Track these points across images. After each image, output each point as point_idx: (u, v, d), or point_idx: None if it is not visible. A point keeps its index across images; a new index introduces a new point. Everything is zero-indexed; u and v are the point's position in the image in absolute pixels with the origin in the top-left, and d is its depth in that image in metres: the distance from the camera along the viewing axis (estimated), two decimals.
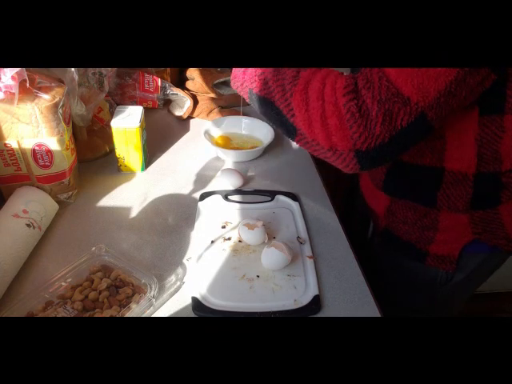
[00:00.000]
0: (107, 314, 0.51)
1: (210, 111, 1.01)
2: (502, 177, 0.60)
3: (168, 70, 1.04)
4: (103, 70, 0.82)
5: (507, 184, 0.61)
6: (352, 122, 0.49)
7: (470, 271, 0.71)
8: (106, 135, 0.84)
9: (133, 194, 0.76)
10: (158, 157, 0.87)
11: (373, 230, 0.81)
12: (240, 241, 0.65)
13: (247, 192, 0.76)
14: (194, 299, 0.55)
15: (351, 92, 0.49)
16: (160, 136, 0.93)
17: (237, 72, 0.61)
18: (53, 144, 0.64)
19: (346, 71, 0.67)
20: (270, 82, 0.56)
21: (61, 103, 0.63)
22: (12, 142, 0.62)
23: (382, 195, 0.71)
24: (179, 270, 0.60)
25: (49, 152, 0.65)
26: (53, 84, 0.64)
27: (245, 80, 0.60)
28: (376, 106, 0.48)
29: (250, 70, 0.59)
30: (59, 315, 0.51)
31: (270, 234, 0.66)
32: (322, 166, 0.89)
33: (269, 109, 0.57)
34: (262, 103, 0.58)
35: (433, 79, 0.47)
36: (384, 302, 0.59)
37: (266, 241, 0.64)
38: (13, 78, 0.57)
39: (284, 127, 0.57)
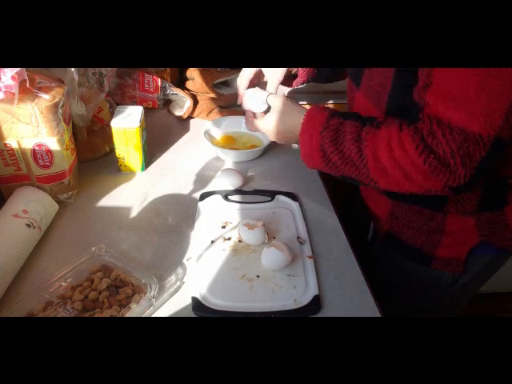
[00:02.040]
0: (107, 313, 0.51)
1: (210, 111, 1.01)
2: (509, 179, 0.60)
3: (168, 70, 1.04)
4: (103, 70, 0.82)
5: None
6: (437, 172, 0.52)
7: (476, 272, 0.71)
8: (106, 135, 0.84)
9: (133, 194, 0.76)
10: (158, 157, 0.87)
11: (373, 232, 0.80)
12: (240, 241, 0.65)
13: (247, 192, 0.76)
14: (194, 299, 0.55)
15: (424, 150, 0.52)
16: (160, 136, 0.93)
17: (312, 166, 0.64)
18: (53, 144, 0.64)
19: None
20: (341, 167, 0.59)
21: (61, 103, 0.63)
22: (12, 142, 0.62)
23: (384, 199, 0.71)
24: (179, 270, 0.60)
25: (49, 152, 0.65)
26: (53, 84, 0.64)
27: (321, 169, 0.63)
28: (450, 157, 0.51)
29: (320, 165, 0.62)
30: (59, 315, 0.51)
31: (270, 234, 0.66)
32: None
33: (352, 181, 0.61)
34: (343, 179, 0.62)
35: (496, 109, 0.48)
36: (384, 302, 0.58)
37: (265, 241, 0.64)
38: (13, 78, 0.57)
39: (372, 188, 0.61)
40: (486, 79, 0.47)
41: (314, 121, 0.62)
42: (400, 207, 0.69)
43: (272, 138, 0.70)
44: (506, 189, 0.61)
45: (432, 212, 0.66)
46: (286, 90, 1.02)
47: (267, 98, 0.70)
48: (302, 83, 0.85)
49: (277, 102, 0.68)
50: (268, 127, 0.69)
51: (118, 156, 0.79)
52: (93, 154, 0.84)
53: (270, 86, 0.82)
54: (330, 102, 1.15)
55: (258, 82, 0.83)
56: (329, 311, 0.56)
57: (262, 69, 0.81)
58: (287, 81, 0.87)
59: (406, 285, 0.76)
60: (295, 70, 0.84)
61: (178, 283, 0.58)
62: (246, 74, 0.80)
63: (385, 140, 0.55)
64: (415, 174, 0.53)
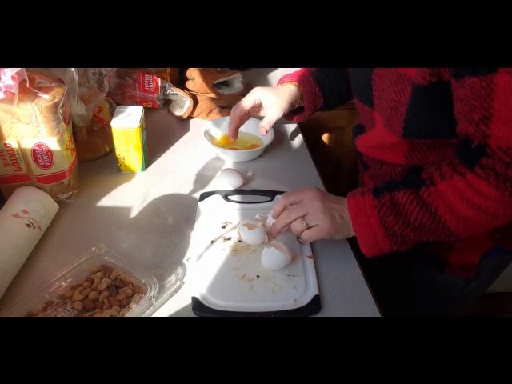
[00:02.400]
0: (107, 313, 0.51)
1: (210, 111, 1.01)
2: None
3: (168, 70, 1.04)
4: (103, 70, 0.82)
5: None
6: None
7: (488, 275, 0.70)
8: (106, 135, 0.84)
9: (133, 194, 0.76)
10: (158, 157, 0.87)
11: None
12: (240, 241, 0.65)
13: (247, 192, 0.76)
14: (194, 299, 0.55)
15: (505, 183, 0.49)
16: (160, 136, 0.93)
17: (371, 253, 0.59)
18: (53, 144, 0.64)
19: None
20: (415, 237, 0.56)
21: (61, 103, 0.63)
22: (12, 142, 0.62)
23: None
24: (179, 270, 0.60)
25: (49, 152, 0.65)
26: (53, 84, 0.64)
27: (382, 252, 0.59)
28: None
29: (384, 246, 0.57)
30: (59, 315, 0.51)
31: (270, 234, 0.66)
32: (321, 165, 0.88)
33: (425, 244, 0.58)
34: (415, 247, 0.58)
35: None
36: (384, 302, 0.58)
37: (265, 241, 0.64)
38: (13, 78, 0.57)
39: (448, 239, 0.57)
40: None
41: (364, 205, 0.57)
42: None
43: (322, 226, 0.59)
44: None
45: None
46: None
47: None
48: (309, 115, 0.84)
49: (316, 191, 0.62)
50: (313, 210, 0.60)
51: (117, 156, 0.79)
52: (93, 154, 0.84)
53: (268, 119, 0.79)
54: None
55: (251, 117, 0.81)
56: (329, 311, 0.55)
57: (263, 102, 0.79)
58: (290, 115, 0.85)
59: (415, 289, 0.75)
60: (298, 102, 0.82)
61: (178, 283, 0.58)
62: (245, 103, 0.78)
63: (454, 193, 0.52)
64: (504, 210, 0.51)
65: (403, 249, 0.58)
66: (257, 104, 0.79)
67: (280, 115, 0.79)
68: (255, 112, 0.82)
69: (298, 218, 0.60)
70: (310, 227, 0.59)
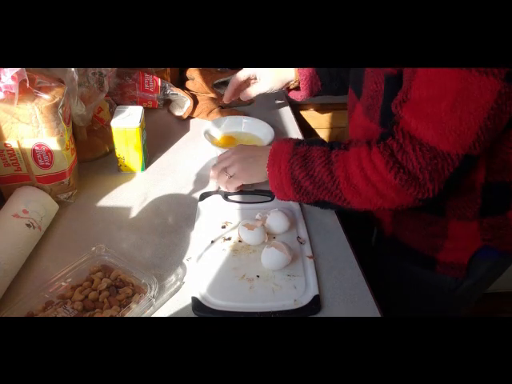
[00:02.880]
0: (107, 313, 0.51)
1: (210, 111, 1.01)
2: (511, 184, 0.60)
3: (168, 70, 1.04)
4: (103, 70, 0.82)
5: None
6: (407, 186, 0.53)
7: (480, 277, 0.70)
8: (106, 135, 0.84)
9: (133, 194, 0.76)
10: (158, 157, 0.87)
11: (377, 235, 0.80)
12: (240, 241, 0.65)
13: (247, 192, 0.76)
14: (194, 299, 0.55)
15: (394, 165, 0.53)
16: (160, 136, 0.93)
17: (282, 198, 0.66)
18: (53, 144, 0.64)
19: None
20: (313, 191, 0.60)
21: (61, 103, 0.63)
22: (12, 142, 0.62)
23: None
24: (179, 270, 0.60)
25: (49, 152, 0.65)
26: (53, 84, 0.64)
27: (291, 199, 0.65)
28: (419, 172, 0.53)
29: (291, 195, 0.63)
30: (59, 315, 0.51)
31: (270, 234, 0.66)
32: None
33: (325, 206, 0.63)
34: (317, 206, 0.64)
35: (466, 130, 0.49)
36: (384, 302, 0.58)
37: (266, 241, 0.64)
38: (13, 78, 0.57)
39: (345, 210, 0.62)
40: (457, 101, 0.48)
41: (281, 151, 0.63)
42: (403, 212, 0.69)
43: (241, 176, 0.71)
44: (507, 194, 0.61)
45: (434, 216, 0.66)
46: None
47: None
48: (307, 97, 0.88)
49: (237, 146, 0.73)
50: (236, 165, 0.70)
51: (117, 156, 0.79)
52: (93, 154, 0.84)
53: (256, 88, 0.85)
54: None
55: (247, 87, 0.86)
56: (329, 311, 0.56)
57: (257, 75, 0.84)
58: (290, 93, 0.90)
59: (409, 288, 0.76)
60: (294, 82, 0.86)
61: (178, 283, 0.58)
62: (241, 74, 0.83)
63: (355, 160, 0.56)
64: (387, 189, 0.55)
65: (305, 201, 0.63)
66: (252, 77, 0.84)
67: (268, 89, 0.84)
68: (249, 85, 0.87)
69: (223, 170, 0.71)
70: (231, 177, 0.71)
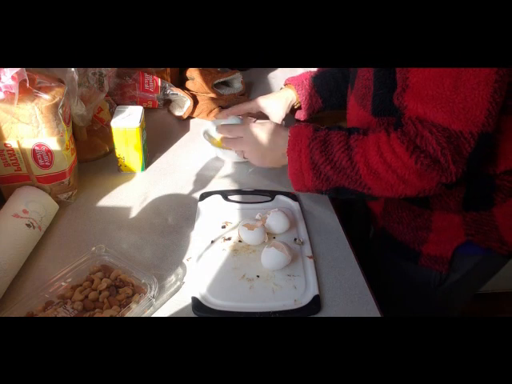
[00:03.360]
0: (107, 313, 0.51)
1: (210, 111, 1.01)
2: (496, 179, 0.60)
3: (168, 70, 1.03)
4: (103, 70, 0.82)
5: (501, 186, 0.60)
6: (430, 170, 0.53)
7: (465, 273, 0.71)
8: (106, 135, 0.84)
9: (133, 193, 0.76)
10: (158, 157, 0.87)
11: (373, 230, 0.81)
12: (240, 241, 0.65)
13: (247, 192, 0.76)
14: (194, 299, 0.55)
15: (415, 150, 0.53)
16: (160, 136, 0.93)
17: (296, 185, 0.64)
18: (53, 144, 0.64)
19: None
20: (333, 177, 0.59)
21: (61, 103, 0.63)
22: (12, 142, 0.62)
23: None
24: (179, 270, 0.60)
25: (49, 152, 0.65)
26: (53, 84, 0.64)
27: (308, 187, 0.63)
28: (440, 154, 0.52)
29: (308, 179, 0.61)
30: (59, 315, 0.51)
31: (270, 234, 0.66)
32: None
33: (344, 193, 0.61)
34: (336, 193, 0.62)
35: (474, 106, 0.49)
36: (384, 302, 0.59)
37: (266, 241, 0.64)
38: (13, 78, 0.57)
39: (365, 197, 0.61)
40: (459, 78, 0.48)
41: (301, 136, 0.62)
42: (392, 203, 0.70)
43: (254, 158, 0.70)
44: (492, 189, 0.61)
45: (420, 209, 0.67)
46: None
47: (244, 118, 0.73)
48: (310, 115, 0.89)
49: (252, 123, 0.70)
50: (251, 145, 0.69)
51: (117, 156, 0.79)
52: (93, 154, 0.84)
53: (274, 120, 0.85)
54: None
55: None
56: (329, 311, 0.56)
57: (265, 108, 0.84)
58: (295, 113, 0.91)
59: (398, 283, 0.77)
60: (297, 104, 0.88)
61: (178, 283, 0.58)
62: (243, 107, 0.84)
63: (374, 145, 0.56)
64: (409, 175, 0.54)
65: (324, 187, 0.61)
66: (254, 112, 0.86)
67: (283, 117, 0.85)
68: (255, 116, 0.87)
69: (238, 138, 0.70)
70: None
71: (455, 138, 0.51)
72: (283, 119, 0.86)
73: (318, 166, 0.60)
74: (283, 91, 0.88)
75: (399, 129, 0.55)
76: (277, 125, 0.69)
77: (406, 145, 0.53)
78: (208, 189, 0.78)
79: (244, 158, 0.72)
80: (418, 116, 0.53)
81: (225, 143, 0.74)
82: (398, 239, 0.72)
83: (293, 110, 0.90)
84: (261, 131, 0.68)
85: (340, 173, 0.58)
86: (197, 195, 0.75)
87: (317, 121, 1.11)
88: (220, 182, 0.80)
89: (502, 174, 0.59)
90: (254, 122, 0.73)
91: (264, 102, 0.85)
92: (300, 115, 0.90)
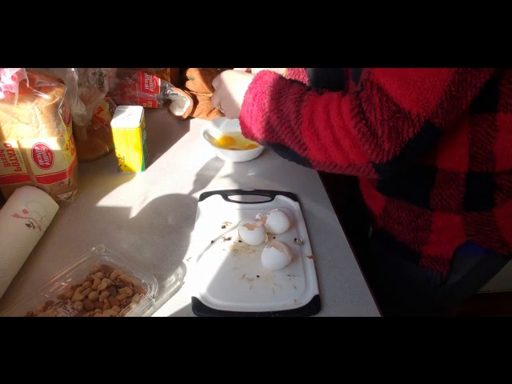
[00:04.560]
0: (107, 313, 0.51)
1: (210, 111, 1.01)
2: (496, 178, 0.60)
3: (168, 70, 1.04)
4: (103, 70, 0.82)
5: (501, 186, 0.60)
6: (364, 140, 0.52)
7: (466, 273, 0.70)
8: (106, 135, 0.84)
9: (133, 193, 0.76)
10: (158, 157, 0.87)
11: (372, 230, 0.81)
12: (240, 241, 0.65)
13: (247, 192, 0.76)
14: (194, 299, 0.55)
15: (358, 114, 0.52)
16: (160, 136, 0.93)
17: (244, 128, 0.65)
18: (53, 144, 0.64)
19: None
20: (277, 128, 0.59)
21: (61, 103, 0.63)
22: (12, 142, 0.62)
23: (379, 195, 0.71)
24: (179, 270, 0.60)
25: (49, 152, 0.65)
26: (53, 84, 0.64)
27: (253, 133, 0.64)
28: (379, 125, 0.51)
29: (256, 124, 0.62)
30: (59, 315, 0.51)
31: (270, 234, 0.66)
32: None
33: (284, 151, 0.62)
34: (276, 148, 0.63)
35: (429, 89, 0.49)
36: (384, 302, 0.59)
37: (266, 241, 0.64)
38: (13, 78, 0.57)
39: (301, 161, 0.61)
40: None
41: (262, 81, 0.62)
42: (392, 203, 0.70)
43: (226, 108, 0.71)
44: (492, 189, 0.61)
45: (420, 209, 0.66)
46: None
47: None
48: None
49: (226, 73, 0.70)
50: (223, 94, 0.70)
51: (117, 156, 0.79)
52: (93, 154, 0.84)
53: None
54: None
55: None
56: (329, 311, 0.56)
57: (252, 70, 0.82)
58: None
59: (398, 283, 0.77)
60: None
61: (178, 283, 0.58)
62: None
63: (324, 101, 0.55)
64: (344, 139, 0.53)
65: (268, 138, 0.61)
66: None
67: None
68: None
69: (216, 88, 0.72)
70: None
71: (402, 116, 0.50)
72: None
73: (267, 113, 0.60)
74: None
75: (355, 93, 0.54)
76: (246, 74, 0.69)
77: (352, 106, 0.52)
78: (208, 189, 0.78)
79: (221, 109, 0.74)
80: (378, 83, 0.52)
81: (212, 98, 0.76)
82: (398, 240, 0.72)
83: None
84: (231, 79, 0.69)
85: (284, 124, 0.58)
86: (197, 195, 0.75)
87: None
88: (220, 182, 0.80)
89: (502, 173, 0.59)
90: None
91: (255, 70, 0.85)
92: None
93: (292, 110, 0.57)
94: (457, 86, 0.48)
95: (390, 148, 0.51)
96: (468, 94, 0.50)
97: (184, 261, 0.62)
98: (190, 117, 1.01)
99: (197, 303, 0.55)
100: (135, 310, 0.52)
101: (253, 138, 0.65)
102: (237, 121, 0.93)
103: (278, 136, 0.59)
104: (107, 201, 0.74)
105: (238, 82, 0.68)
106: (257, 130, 0.62)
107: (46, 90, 0.62)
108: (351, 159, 0.54)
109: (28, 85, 0.60)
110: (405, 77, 0.49)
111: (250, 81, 0.64)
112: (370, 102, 0.52)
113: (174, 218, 0.70)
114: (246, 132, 0.65)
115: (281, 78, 0.62)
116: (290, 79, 0.63)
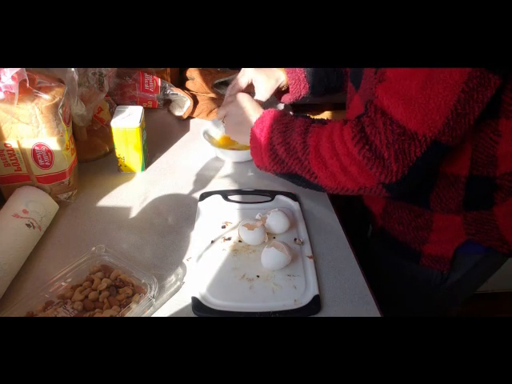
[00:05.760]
0: (107, 313, 0.51)
1: (210, 111, 1.01)
2: (496, 179, 0.60)
3: (168, 70, 1.04)
4: (103, 70, 0.82)
5: (501, 185, 0.60)
6: (370, 164, 0.53)
7: (466, 272, 0.71)
8: (106, 135, 0.84)
9: (133, 193, 0.76)
10: (158, 157, 0.87)
11: (372, 230, 0.81)
12: (240, 241, 0.65)
13: (247, 192, 0.76)
14: (194, 299, 0.55)
15: (360, 140, 0.53)
16: (160, 136, 0.93)
17: (258, 162, 0.68)
18: (53, 144, 0.64)
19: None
20: (286, 159, 0.62)
21: (61, 103, 0.63)
22: (12, 142, 0.62)
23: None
24: (179, 270, 0.60)
25: (49, 152, 0.65)
26: (53, 84, 0.64)
27: (266, 166, 0.67)
28: (386, 148, 0.52)
29: (266, 158, 0.65)
30: (59, 315, 0.51)
31: (270, 234, 0.66)
32: None
33: (295, 179, 0.64)
34: (288, 178, 0.66)
35: (435, 109, 0.49)
36: (384, 302, 0.59)
37: (266, 241, 0.64)
38: (13, 78, 0.57)
39: (314, 187, 0.63)
40: (428, 79, 0.49)
41: (269, 117, 0.65)
42: (392, 204, 0.70)
43: (229, 126, 0.75)
44: (493, 189, 0.61)
45: (420, 209, 0.67)
46: (281, 105, 1.03)
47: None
48: (295, 99, 0.88)
49: (241, 96, 0.73)
50: (230, 114, 0.74)
51: (117, 156, 0.79)
52: (93, 154, 0.84)
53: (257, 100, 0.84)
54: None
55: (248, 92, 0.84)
56: (329, 311, 0.56)
57: (254, 84, 0.83)
58: (280, 95, 0.89)
59: (398, 283, 0.77)
60: (285, 86, 0.86)
61: (178, 283, 0.58)
62: (241, 84, 0.82)
63: (328, 131, 0.57)
64: (350, 165, 0.55)
65: (279, 170, 0.64)
66: (250, 83, 0.85)
67: (267, 98, 0.85)
68: (248, 90, 0.86)
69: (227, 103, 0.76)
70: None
71: (408, 137, 0.50)
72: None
73: (274, 147, 0.62)
74: (275, 71, 0.86)
75: (356, 119, 0.55)
76: (257, 105, 0.73)
77: (354, 133, 0.54)
78: (208, 189, 0.78)
79: (222, 121, 0.79)
80: (382, 107, 0.53)
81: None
82: (399, 239, 0.72)
83: (277, 92, 0.89)
84: (242, 107, 0.72)
85: (292, 156, 0.60)
86: (197, 195, 0.75)
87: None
88: (220, 182, 0.80)
89: (503, 174, 0.60)
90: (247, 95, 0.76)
91: (256, 76, 0.83)
92: (286, 99, 0.90)
93: (298, 141, 0.59)
94: (463, 105, 0.49)
95: (398, 169, 0.52)
96: (475, 110, 0.50)
97: (184, 261, 0.62)
98: (190, 117, 1.01)
99: (197, 303, 0.55)
100: (135, 310, 0.52)
101: (266, 170, 0.67)
102: None
103: (289, 167, 0.62)
104: (107, 201, 0.74)
105: (248, 111, 0.71)
106: (267, 164, 0.65)
107: (46, 89, 0.62)
108: (361, 183, 0.56)
109: (28, 85, 0.60)
110: (409, 99, 0.50)
111: (257, 116, 0.67)
112: (373, 126, 0.53)
113: (173, 217, 0.70)
114: (259, 165, 0.68)
115: (286, 113, 0.65)
116: (295, 114, 0.66)
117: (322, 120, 0.62)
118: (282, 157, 0.62)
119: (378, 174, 0.53)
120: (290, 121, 0.63)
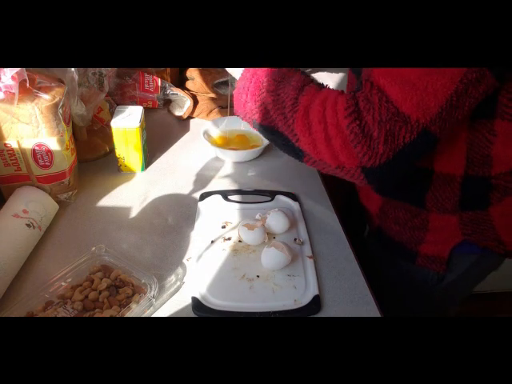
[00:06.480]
0: (107, 313, 0.51)
1: (210, 111, 1.01)
2: (492, 179, 0.60)
3: (168, 70, 1.04)
4: (103, 70, 0.82)
5: (497, 186, 0.60)
6: (356, 142, 0.50)
7: (462, 272, 0.71)
8: (106, 135, 0.84)
9: (133, 193, 0.76)
10: (158, 157, 0.87)
11: (369, 229, 0.81)
12: (240, 241, 0.65)
13: (247, 192, 0.76)
14: (194, 299, 0.55)
15: (353, 113, 0.50)
16: (160, 136, 0.93)
17: (238, 106, 0.62)
18: (53, 144, 0.64)
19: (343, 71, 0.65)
20: (271, 111, 0.57)
21: (61, 103, 0.63)
22: (12, 142, 0.62)
23: (375, 195, 0.71)
24: (179, 270, 0.60)
25: (49, 152, 0.65)
26: (53, 84, 0.64)
27: (246, 112, 0.61)
28: (377, 126, 0.49)
29: (250, 103, 0.60)
30: (59, 315, 0.51)
31: (270, 234, 0.66)
32: None
33: (274, 136, 0.59)
34: (266, 131, 0.60)
35: (432, 95, 0.48)
36: (384, 302, 0.59)
37: (266, 241, 0.64)
38: (13, 78, 0.57)
39: (291, 151, 0.59)
40: (429, 70, 0.47)
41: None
42: (389, 203, 0.70)
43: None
44: (488, 189, 0.61)
45: (417, 209, 0.66)
46: None
47: None
48: None
49: None
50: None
51: (117, 156, 0.79)
52: (93, 154, 0.84)
53: None
54: None
55: None
56: (329, 311, 0.56)
57: None
58: None
59: (397, 283, 0.77)
60: None
61: (178, 283, 0.58)
62: None
63: (323, 96, 0.54)
64: (335, 137, 0.52)
65: (260, 119, 0.59)
66: None
67: None
68: None
69: None
70: None
71: (400, 120, 0.49)
72: None
73: (263, 93, 0.58)
74: None
75: (352, 92, 0.53)
76: None
77: (347, 105, 0.51)
78: (208, 189, 0.78)
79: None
80: (378, 84, 0.50)
81: None
82: (395, 239, 0.72)
83: None
84: None
85: (278, 109, 0.56)
86: (197, 195, 0.76)
87: None
88: (220, 182, 0.80)
89: (498, 174, 0.60)
90: None
91: None
92: None
93: (290, 95, 0.55)
94: (458, 96, 0.48)
95: (384, 151, 0.50)
96: (466, 105, 0.49)
97: (184, 261, 0.62)
98: (190, 117, 1.01)
99: (197, 303, 0.55)
100: (135, 310, 0.52)
101: (245, 116, 0.62)
102: (237, 120, 0.94)
103: (272, 120, 0.58)
104: (107, 201, 0.74)
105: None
106: (250, 108, 0.60)
107: (46, 89, 0.62)
108: (340, 161, 0.53)
109: (28, 85, 0.60)
110: (406, 81, 0.48)
111: None
112: (368, 101, 0.50)
113: (173, 217, 0.70)
114: (238, 109, 0.63)
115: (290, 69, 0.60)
116: (297, 68, 0.60)
117: (321, 84, 0.58)
118: (269, 107, 0.57)
119: (360, 154, 0.50)
120: (288, 72, 0.58)
